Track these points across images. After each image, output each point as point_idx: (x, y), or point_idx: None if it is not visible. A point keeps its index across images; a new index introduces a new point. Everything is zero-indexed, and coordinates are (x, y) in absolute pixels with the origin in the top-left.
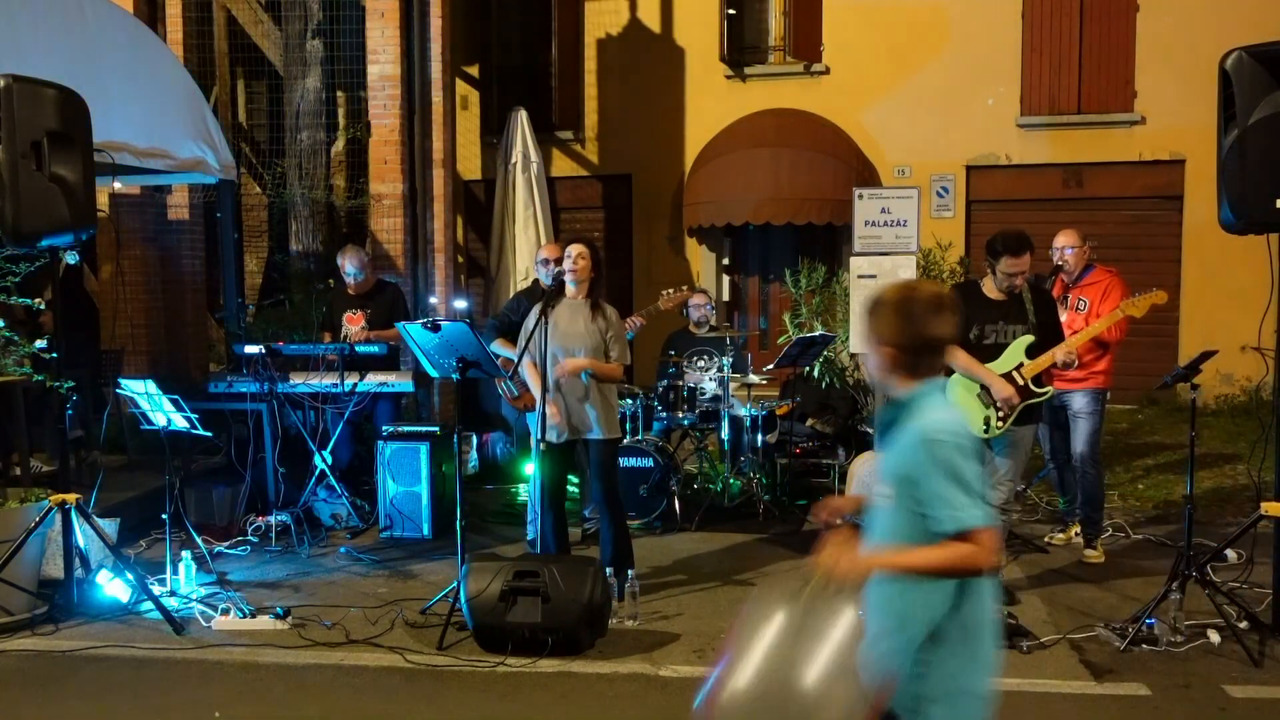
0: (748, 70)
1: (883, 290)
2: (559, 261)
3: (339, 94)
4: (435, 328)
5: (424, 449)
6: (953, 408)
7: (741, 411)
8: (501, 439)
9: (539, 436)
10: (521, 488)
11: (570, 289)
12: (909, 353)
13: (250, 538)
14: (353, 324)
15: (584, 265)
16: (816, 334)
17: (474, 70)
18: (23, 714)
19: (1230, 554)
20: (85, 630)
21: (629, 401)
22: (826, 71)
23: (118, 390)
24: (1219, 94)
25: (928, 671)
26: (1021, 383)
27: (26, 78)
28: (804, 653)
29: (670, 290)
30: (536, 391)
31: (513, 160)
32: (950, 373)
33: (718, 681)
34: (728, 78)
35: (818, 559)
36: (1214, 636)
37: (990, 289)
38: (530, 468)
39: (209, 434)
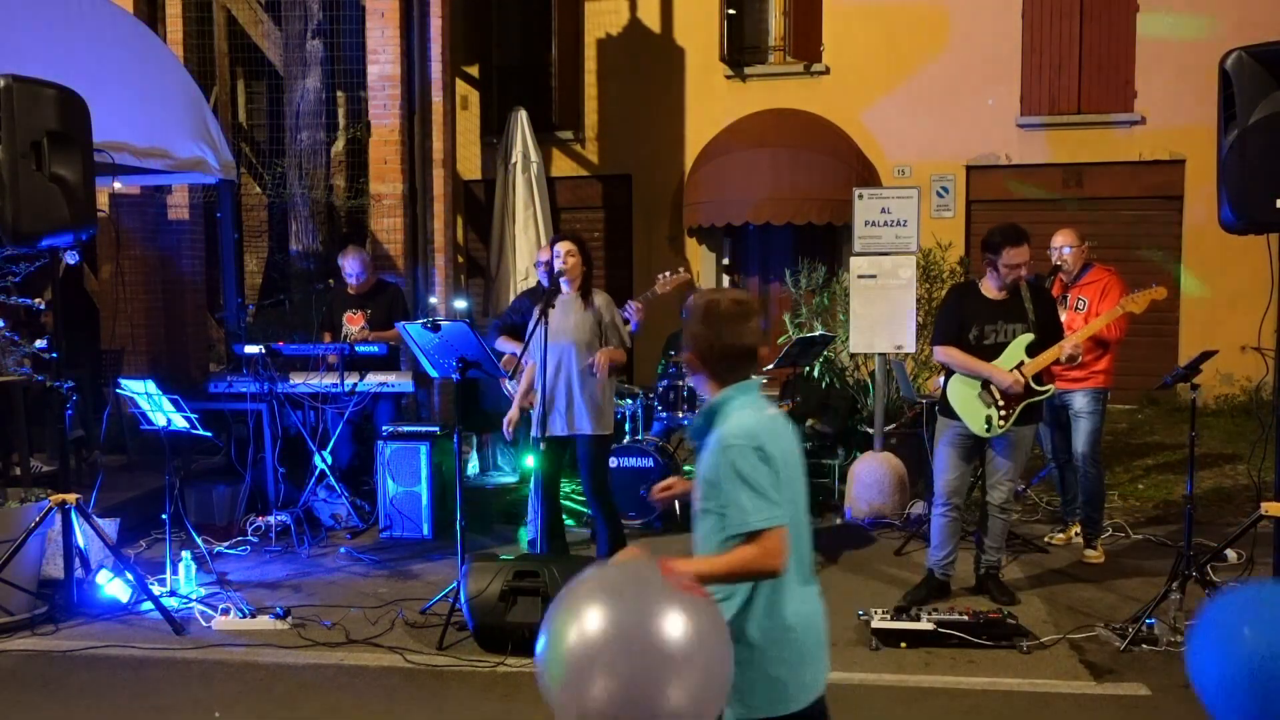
0: (748, 70)
1: (692, 297)
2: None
3: (339, 94)
4: (435, 328)
5: (424, 449)
6: (758, 411)
7: None
8: (501, 439)
9: (536, 435)
10: (522, 487)
11: (564, 288)
12: (712, 359)
13: (250, 538)
14: (353, 324)
15: (574, 262)
16: (816, 334)
17: (474, 70)
18: (22, 714)
19: (1230, 554)
20: (85, 630)
21: (629, 401)
22: (826, 71)
23: (118, 390)
24: (1219, 94)
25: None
26: (1023, 381)
27: (26, 78)
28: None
29: (666, 274)
30: (519, 393)
31: (513, 160)
32: (950, 373)
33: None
34: (728, 78)
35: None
36: None
37: (988, 289)
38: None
39: (209, 434)
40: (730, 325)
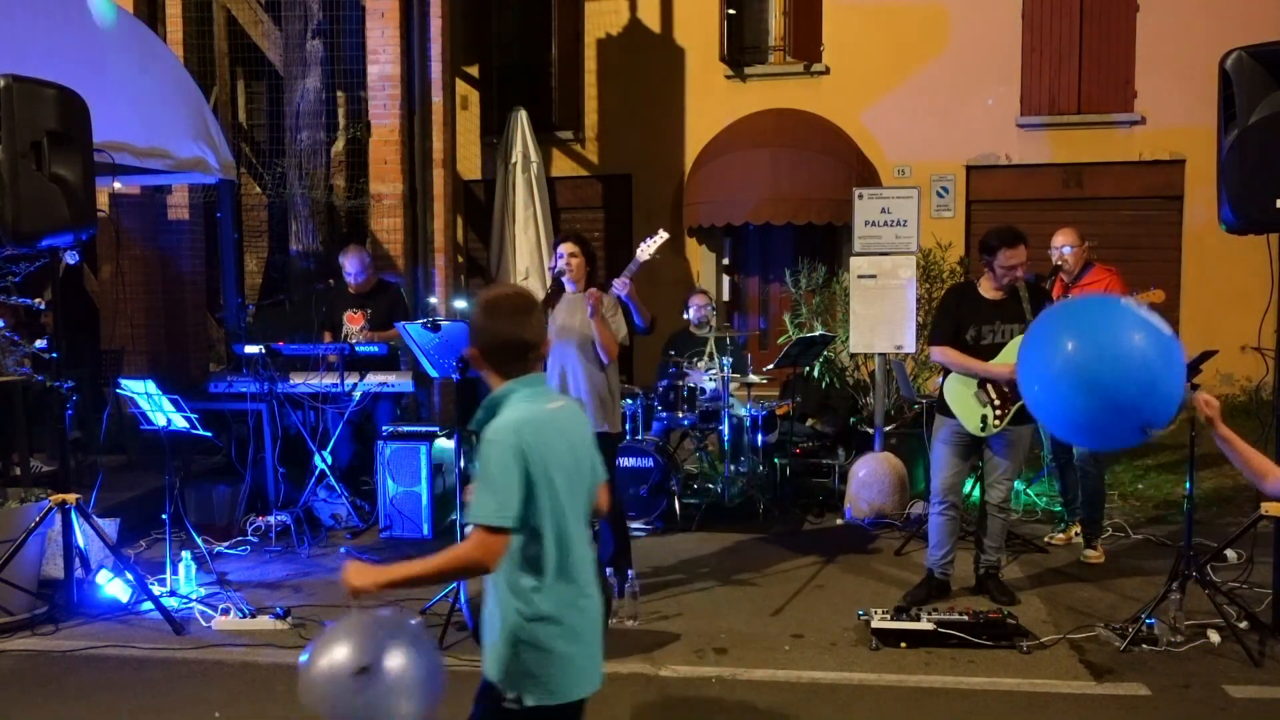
0: (748, 70)
1: (477, 294)
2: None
3: (339, 94)
4: (435, 328)
5: (424, 449)
6: (536, 405)
7: (741, 411)
8: None
9: None
10: None
11: (569, 288)
12: (491, 353)
13: (250, 538)
14: (353, 323)
15: (578, 264)
16: (816, 334)
17: (474, 70)
18: (22, 714)
19: (1230, 554)
20: (85, 630)
21: (629, 401)
22: (826, 71)
23: (118, 390)
24: (1219, 94)
25: (522, 652)
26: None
27: (26, 78)
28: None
29: (646, 241)
30: None
31: (513, 160)
32: (949, 372)
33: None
34: (728, 78)
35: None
36: (1214, 636)
37: (987, 289)
38: None
39: (209, 434)
40: (509, 319)
